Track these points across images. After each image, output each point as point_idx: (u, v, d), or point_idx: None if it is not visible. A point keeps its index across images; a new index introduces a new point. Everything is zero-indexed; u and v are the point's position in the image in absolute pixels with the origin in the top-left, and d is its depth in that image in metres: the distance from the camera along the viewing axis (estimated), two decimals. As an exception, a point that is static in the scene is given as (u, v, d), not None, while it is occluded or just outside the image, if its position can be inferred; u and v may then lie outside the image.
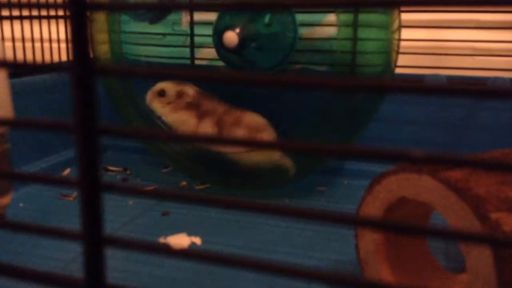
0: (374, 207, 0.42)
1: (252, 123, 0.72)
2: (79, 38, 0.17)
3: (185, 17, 0.79)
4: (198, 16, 0.80)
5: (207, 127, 0.72)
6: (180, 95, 0.73)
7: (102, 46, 0.76)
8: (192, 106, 0.73)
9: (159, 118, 0.75)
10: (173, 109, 0.73)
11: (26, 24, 0.83)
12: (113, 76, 0.68)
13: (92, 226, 0.18)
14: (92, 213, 0.18)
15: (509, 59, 0.83)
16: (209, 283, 0.48)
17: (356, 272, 0.46)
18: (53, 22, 0.87)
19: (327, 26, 0.75)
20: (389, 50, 0.67)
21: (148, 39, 0.80)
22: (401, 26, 0.68)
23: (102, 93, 0.77)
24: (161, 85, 0.73)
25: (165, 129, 0.75)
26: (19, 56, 0.84)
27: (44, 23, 0.86)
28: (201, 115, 0.73)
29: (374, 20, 0.66)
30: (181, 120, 0.73)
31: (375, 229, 0.32)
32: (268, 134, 0.72)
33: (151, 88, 0.74)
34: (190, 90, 0.73)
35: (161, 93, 0.73)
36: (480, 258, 0.35)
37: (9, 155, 0.47)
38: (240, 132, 0.71)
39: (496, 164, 0.15)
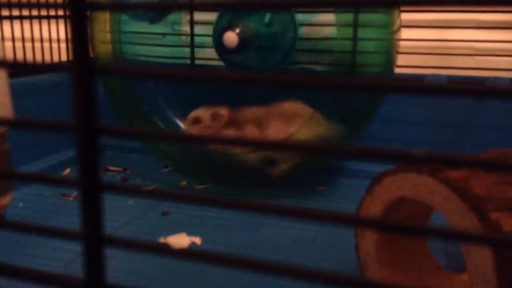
0: (374, 207, 0.42)
1: (287, 111, 0.72)
2: (79, 38, 0.17)
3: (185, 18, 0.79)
4: (198, 16, 0.80)
5: (251, 133, 0.72)
6: (214, 117, 0.72)
7: (102, 46, 0.76)
8: (229, 123, 0.73)
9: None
10: (212, 133, 0.73)
11: (26, 24, 0.83)
12: (113, 76, 0.68)
13: (92, 226, 0.18)
14: (92, 213, 0.18)
15: (509, 59, 0.83)
16: (209, 283, 0.48)
17: (356, 272, 0.46)
18: (53, 22, 0.87)
19: (327, 26, 0.75)
20: (389, 50, 0.67)
21: (148, 39, 0.80)
22: (401, 26, 0.68)
23: (102, 93, 0.77)
24: (194, 114, 0.73)
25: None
26: (19, 56, 0.84)
27: (44, 23, 0.86)
28: (241, 127, 0.73)
29: (374, 20, 0.66)
30: None
31: (375, 229, 0.32)
32: (305, 115, 0.71)
33: (184, 119, 0.74)
34: (223, 110, 0.73)
35: (196, 121, 0.73)
36: (480, 258, 0.35)
37: (9, 155, 0.47)
38: (277, 124, 0.71)
39: (496, 164, 0.15)
